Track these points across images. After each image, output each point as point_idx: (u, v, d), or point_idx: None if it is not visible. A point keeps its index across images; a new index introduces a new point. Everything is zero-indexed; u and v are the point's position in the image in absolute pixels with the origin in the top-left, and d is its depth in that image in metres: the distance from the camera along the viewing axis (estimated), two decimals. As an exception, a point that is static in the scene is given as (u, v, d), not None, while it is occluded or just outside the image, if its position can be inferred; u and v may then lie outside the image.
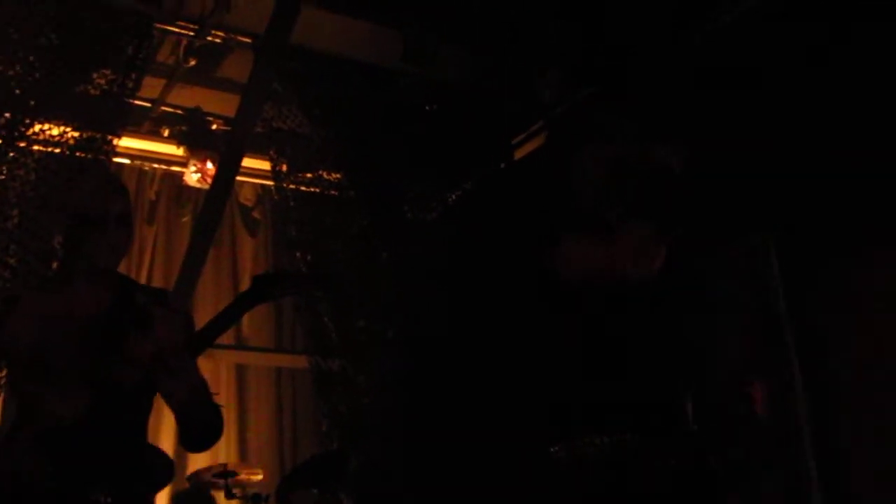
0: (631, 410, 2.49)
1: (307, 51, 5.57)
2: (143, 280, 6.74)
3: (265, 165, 6.39)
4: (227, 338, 6.92)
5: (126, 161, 6.74)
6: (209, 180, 6.32)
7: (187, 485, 5.88)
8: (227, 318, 2.74)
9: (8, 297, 2.87)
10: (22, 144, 4.76)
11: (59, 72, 4.86)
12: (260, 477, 6.00)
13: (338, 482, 5.51)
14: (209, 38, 5.43)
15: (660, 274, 2.54)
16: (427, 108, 6.08)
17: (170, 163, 6.84)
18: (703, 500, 2.52)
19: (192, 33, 5.36)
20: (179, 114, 6.43)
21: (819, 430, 4.03)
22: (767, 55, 4.25)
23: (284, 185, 6.11)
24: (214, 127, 6.51)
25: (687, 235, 2.61)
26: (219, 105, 6.41)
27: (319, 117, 5.96)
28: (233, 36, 5.47)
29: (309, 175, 6.13)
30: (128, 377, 2.67)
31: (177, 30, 5.34)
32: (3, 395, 4.57)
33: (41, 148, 4.85)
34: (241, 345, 7.32)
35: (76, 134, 4.92)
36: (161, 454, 2.88)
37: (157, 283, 6.81)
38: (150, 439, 2.91)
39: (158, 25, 5.22)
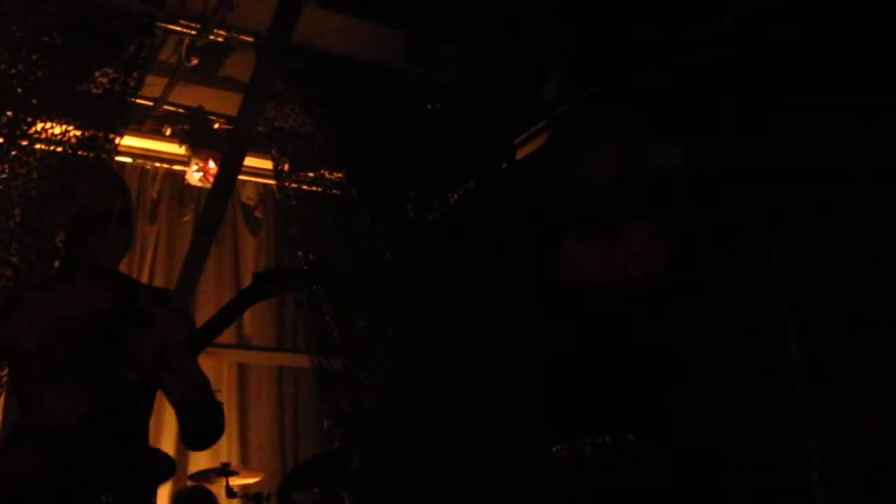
0: (631, 410, 2.49)
1: (309, 50, 5.57)
2: (144, 279, 6.75)
3: (267, 164, 6.39)
4: (228, 337, 6.93)
5: (128, 160, 6.74)
6: (211, 179, 6.32)
7: (189, 484, 5.88)
8: (229, 314, 2.75)
9: (10, 296, 2.87)
10: (24, 143, 4.76)
11: (62, 70, 4.86)
12: (261, 476, 6.01)
13: (339, 481, 5.51)
14: (211, 37, 5.43)
15: (660, 274, 2.54)
16: (429, 107, 6.08)
17: (172, 162, 6.84)
18: (704, 500, 2.52)
19: (194, 32, 5.36)
20: (181, 112, 6.43)
21: (820, 431, 4.02)
22: (767, 55, 4.24)
23: (286, 184, 6.11)
24: (216, 126, 6.51)
25: (688, 235, 2.61)
26: (221, 104, 6.41)
27: (321, 116, 5.96)
28: (235, 35, 5.47)
29: (311, 174, 6.13)
30: (129, 377, 2.67)
31: (179, 28, 5.34)
32: (4, 394, 4.57)
33: (43, 146, 4.85)
34: (242, 344, 7.32)
35: (78, 132, 4.92)
36: (162, 454, 2.88)
37: (158, 282, 6.81)
38: (152, 439, 2.91)
39: (160, 24, 5.22)
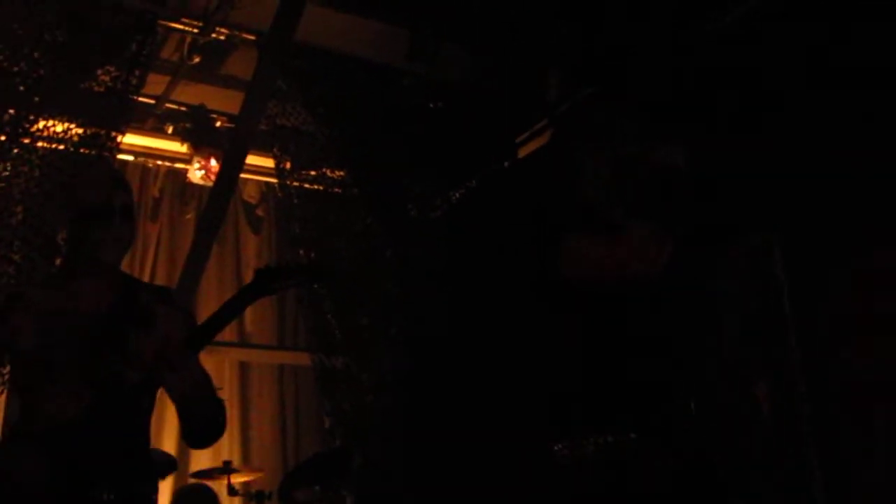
0: (632, 410, 2.49)
1: (311, 48, 5.58)
2: (146, 277, 6.76)
3: (269, 163, 6.39)
4: (229, 335, 6.94)
5: (130, 158, 6.74)
6: (213, 177, 6.33)
7: (190, 482, 5.89)
8: (230, 311, 2.76)
9: (11, 294, 2.88)
10: (26, 141, 4.76)
11: (64, 68, 4.86)
12: (262, 474, 6.01)
13: (341, 480, 5.52)
14: (213, 36, 5.43)
15: (661, 273, 2.54)
16: (431, 106, 6.08)
17: (173, 160, 6.84)
18: (704, 500, 2.52)
19: (196, 30, 5.36)
20: (183, 111, 6.44)
21: (821, 431, 4.02)
22: (767, 55, 4.24)
23: (288, 182, 6.12)
24: (218, 124, 6.52)
25: (689, 235, 2.61)
26: (223, 102, 6.42)
27: (323, 115, 5.97)
28: (237, 33, 5.47)
29: (313, 172, 6.14)
30: (130, 375, 2.67)
31: (181, 27, 5.34)
32: (5, 392, 4.57)
33: (45, 144, 4.85)
34: (243, 342, 7.33)
35: (80, 130, 4.92)
36: (160, 453, 2.88)
37: (160, 280, 6.81)
38: (153, 438, 2.91)
39: (162, 22, 5.22)
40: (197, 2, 5.14)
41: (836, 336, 4.05)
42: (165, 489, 5.91)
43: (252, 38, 5.49)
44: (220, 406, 2.85)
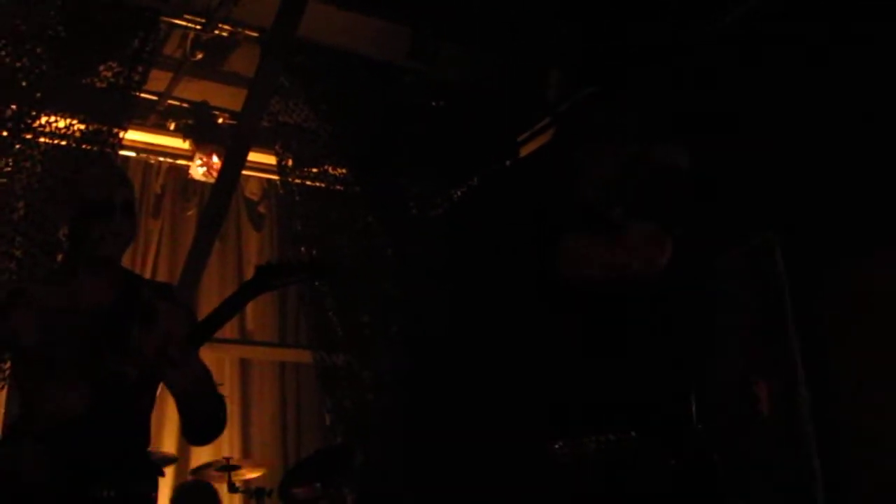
0: (632, 409, 2.49)
1: (314, 45, 5.58)
2: (147, 273, 6.76)
3: (271, 160, 6.40)
4: (231, 332, 6.94)
5: (132, 154, 6.74)
6: (215, 174, 6.33)
7: (190, 478, 5.89)
8: (231, 307, 2.75)
9: (13, 290, 2.87)
10: (28, 136, 4.77)
11: (66, 64, 4.87)
12: (263, 471, 6.01)
13: (341, 477, 5.52)
14: (216, 32, 5.44)
15: (662, 273, 2.54)
16: (433, 104, 6.08)
17: (176, 156, 6.83)
18: (704, 500, 2.52)
19: (198, 27, 5.36)
20: (186, 107, 6.43)
21: (822, 431, 4.02)
22: (767, 55, 4.24)
23: (290, 179, 6.12)
24: (221, 121, 6.52)
25: (690, 235, 2.61)
26: (225, 99, 6.41)
27: (326, 112, 5.97)
28: (240, 30, 5.47)
29: (315, 170, 6.14)
30: (131, 372, 2.68)
31: (184, 23, 5.34)
32: (6, 388, 4.57)
33: (47, 140, 4.86)
34: (245, 339, 7.33)
35: (82, 126, 4.93)
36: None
37: (161, 276, 6.82)
38: (153, 435, 2.91)
39: (165, 18, 5.23)
40: (200, -2, 5.15)
41: (836, 336, 4.05)
42: (166, 486, 5.92)
43: (255, 34, 5.49)
44: (220, 402, 2.85)
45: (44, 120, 4.82)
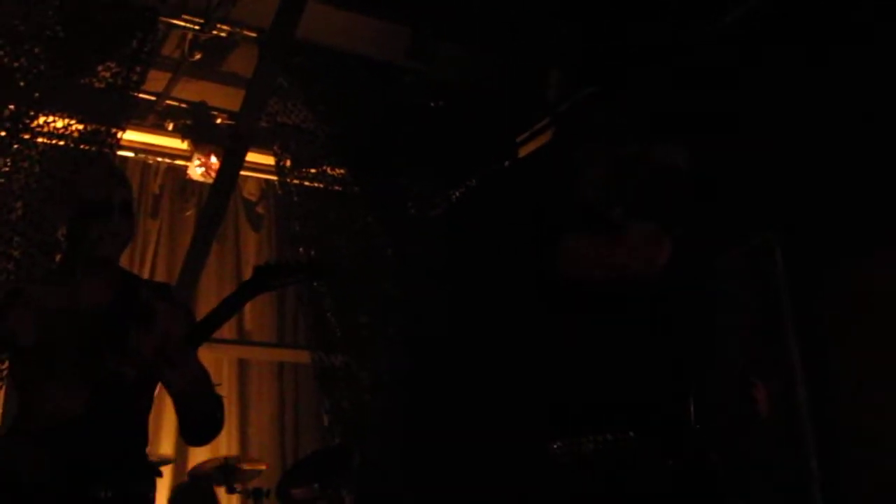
0: (631, 409, 2.49)
1: (312, 46, 5.57)
2: (146, 274, 6.76)
3: (269, 160, 6.40)
4: (229, 332, 6.94)
5: (130, 154, 6.74)
6: (213, 175, 6.32)
7: (188, 479, 5.89)
8: (229, 307, 2.75)
9: (11, 290, 2.87)
10: (26, 136, 4.76)
11: (64, 64, 4.86)
12: (263, 468, 6.00)
13: (340, 477, 5.51)
14: (214, 32, 5.43)
15: (662, 273, 2.54)
16: (432, 104, 6.08)
17: (174, 156, 6.84)
18: (704, 500, 2.52)
19: (197, 27, 5.35)
20: (184, 107, 6.43)
21: (821, 431, 4.02)
22: (767, 55, 4.24)
23: (288, 180, 6.12)
24: (219, 121, 6.52)
25: (690, 235, 2.61)
26: (223, 99, 6.41)
27: (324, 113, 5.97)
28: (238, 30, 5.46)
29: (313, 170, 6.14)
30: (129, 372, 2.67)
31: (182, 23, 5.33)
32: (4, 389, 4.57)
33: (45, 140, 4.86)
34: (243, 339, 7.33)
35: (80, 126, 4.92)
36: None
37: (160, 276, 6.82)
38: (151, 436, 2.91)
39: (163, 19, 5.22)
40: (198, -2, 5.15)
41: (836, 336, 4.05)
42: (163, 486, 5.91)
43: (253, 35, 5.48)
44: (218, 403, 2.85)
45: (42, 120, 4.82)
